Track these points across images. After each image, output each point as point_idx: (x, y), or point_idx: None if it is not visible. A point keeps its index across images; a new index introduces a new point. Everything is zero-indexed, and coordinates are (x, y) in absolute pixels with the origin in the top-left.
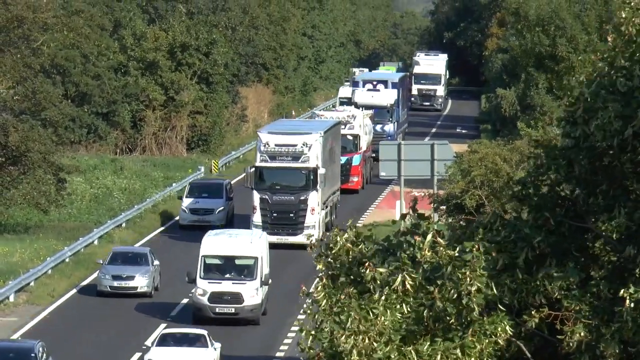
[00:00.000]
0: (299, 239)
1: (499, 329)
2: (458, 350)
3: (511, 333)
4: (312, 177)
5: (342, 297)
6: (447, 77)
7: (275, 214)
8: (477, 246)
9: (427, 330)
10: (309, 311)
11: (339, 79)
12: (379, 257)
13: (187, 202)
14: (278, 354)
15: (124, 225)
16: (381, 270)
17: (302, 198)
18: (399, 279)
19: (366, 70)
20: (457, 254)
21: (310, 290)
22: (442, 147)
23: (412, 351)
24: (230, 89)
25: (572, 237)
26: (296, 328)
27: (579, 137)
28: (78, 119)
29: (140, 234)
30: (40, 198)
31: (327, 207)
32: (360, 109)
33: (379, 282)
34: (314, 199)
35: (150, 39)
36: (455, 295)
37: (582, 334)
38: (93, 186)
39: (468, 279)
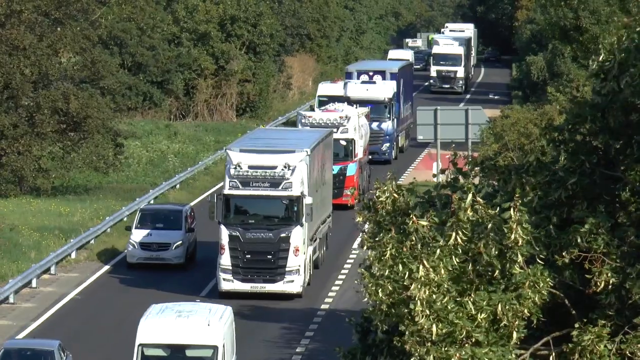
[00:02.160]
0: (279, 286)
1: (541, 280)
2: (516, 301)
3: (552, 284)
4: (295, 208)
5: (405, 249)
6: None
7: (248, 256)
8: (517, 203)
9: (470, 284)
10: (367, 256)
11: (378, 49)
12: (420, 209)
13: (136, 234)
14: None
15: (178, 186)
16: (423, 222)
17: (282, 235)
18: (453, 234)
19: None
20: (496, 213)
21: (356, 243)
22: (476, 112)
23: (469, 302)
24: (276, 59)
25: (602, 184)
26: (340, 282)
27: (608, 93)
28: (134, 87)
29: (194, 195)
30: (99, 161)
31: (315, 240)
32: (355, 106)
33: (420, 234)
34: (297, 235)
35: (202, 11)
36: (498, 250)
37: (609, 274)
38: (149, 150)
39: (514, 232)
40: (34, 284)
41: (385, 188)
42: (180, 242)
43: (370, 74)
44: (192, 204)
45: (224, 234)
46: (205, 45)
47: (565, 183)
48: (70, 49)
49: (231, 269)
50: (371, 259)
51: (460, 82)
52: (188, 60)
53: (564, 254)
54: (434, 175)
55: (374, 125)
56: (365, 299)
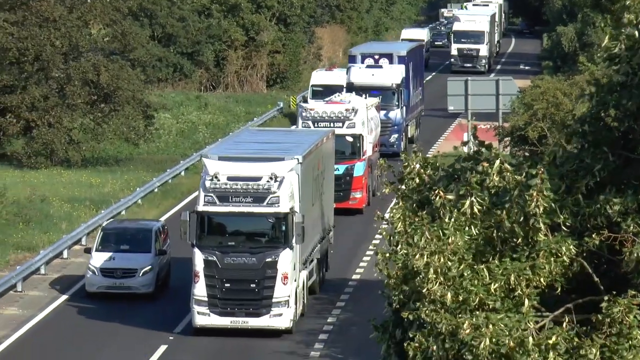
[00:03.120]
0: (265, 321)
1: (564, 248)
2: (529, 271)
3: (575, 252)
4: (283, 227)
5: (416, 219)
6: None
7: (227, 284)
8: (541, 170)
9: (495, 251)
10: (384, 233)
11: (409, 20)
12: (444, 182)
13: (97, 258)
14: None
15: None
16: (450, 197)
17: (268, 260)
18: (467, 202)
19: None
20: (523, 179)
21: (386, 215)
22: (507, 83)
23: (484, 269)
24: (306, 30)
25: (628, 170)
26: (371, 252)
27: (627, 73)
28: (164, 58)
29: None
30: (130, 133)
31: (311, 262)
32: (364, 95)
33: (448, 207)
34: (286, 260)
35: None
36: (522, 217)
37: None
38: (179, 121)
39: (535, 200)
40: (65, 255)
41: (410, 162)
42: (149, 267)
43: (376, 57)
44: (164, 218)
45: (199, 258)
46: (236, 16)
47: (592, 170)
48: (100, 20)
49: (207, 300)
50: (384, 233)
51: (483, 60)
52: (218, 32)
53: (594, 235)
54: (463, 143)
55: (381, 113)
56: (376, 274)
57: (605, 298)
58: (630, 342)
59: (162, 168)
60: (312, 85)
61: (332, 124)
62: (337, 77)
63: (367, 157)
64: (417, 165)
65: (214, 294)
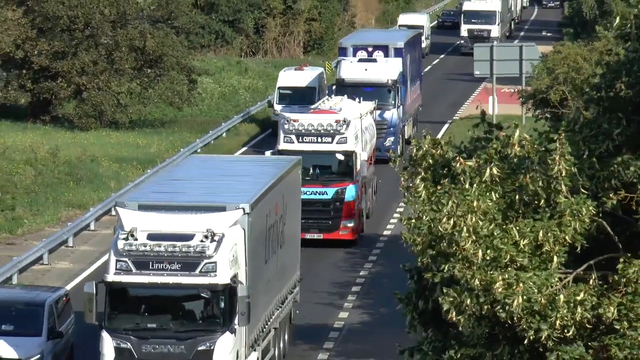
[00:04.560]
0: None
1: (584, 209)
2: (556, 228)
3: (594, 212)
4: (222, 303)
5: (439, 187)
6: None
7: None
8: (562, 134)
9: (517, 213)
10: (408, 202)
11: None
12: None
13: None
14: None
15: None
16: (469, 163)
17: (201, 348)
18: (487, 171)
19: None
20: (543, 148)
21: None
22: (530, 49)
23: (514, 228)
24: None
25: None
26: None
27: (636, 50)
28: (207, 26)
29: (264, 128)
30: (174, 97)
31: (267, 335)
32: (358, 99)
33: (468, 174)
34: (225, 348)
35: None
36: (545, 181)
37: None
38: (221, 85)
39: (557, 164)
40: (113, 212)
41: (421, 145)
42: (38, 356)
43: (370, 49)
44: (69, 286)
45: (108, 346)
46: None
47: (611, 134)
48: None
49: None
50: (407, 202)
51: (495, 42)
52: (258, 0)
53: (611, 195)
54: (473, 126)
55: (376, 114)
56: (405, 245)
57: (621, 260)
58: None
59: (205, 129)
60: (279, 88)
61: (319, 139)
62: (308, 77)
63: (362, 177)
64: (428, 146)
65: None
